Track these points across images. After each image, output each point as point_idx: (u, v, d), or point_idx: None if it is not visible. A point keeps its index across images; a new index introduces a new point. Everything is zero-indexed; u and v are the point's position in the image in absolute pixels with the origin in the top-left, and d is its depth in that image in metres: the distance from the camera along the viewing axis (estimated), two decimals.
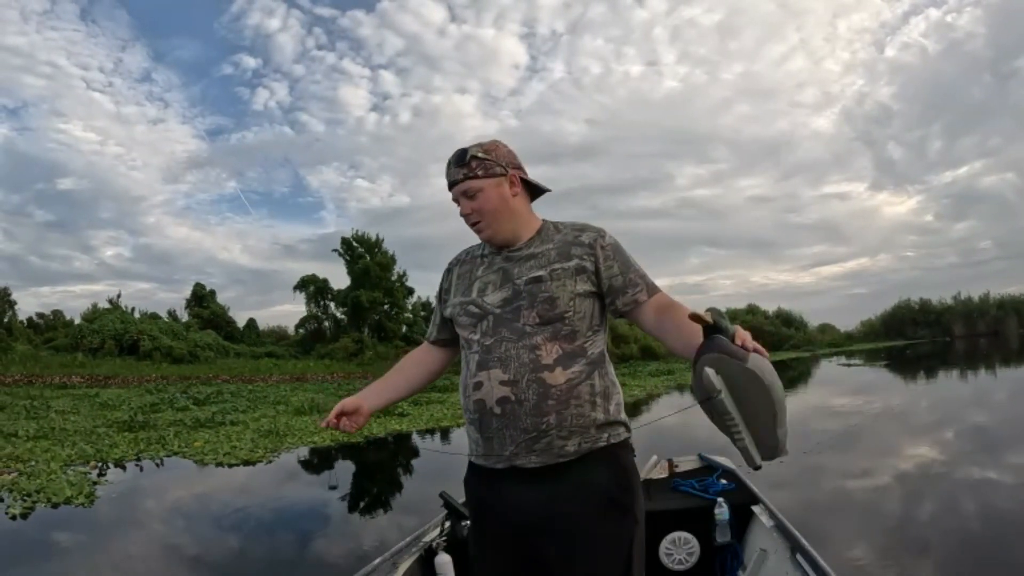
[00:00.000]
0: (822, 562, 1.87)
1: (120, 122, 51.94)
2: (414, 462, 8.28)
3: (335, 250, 32.77)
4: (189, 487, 6.62)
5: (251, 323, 34.33)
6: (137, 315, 28.65)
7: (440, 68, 68.33)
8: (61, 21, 52.21)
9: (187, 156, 54.09)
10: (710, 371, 1.09)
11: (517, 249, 1.38)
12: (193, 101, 60.85)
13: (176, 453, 8.05)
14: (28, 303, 51.81)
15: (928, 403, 12.05)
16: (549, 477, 1.27)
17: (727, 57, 76.78)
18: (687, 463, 3.05)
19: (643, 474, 2.77)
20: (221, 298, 33.61)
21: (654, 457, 3.02)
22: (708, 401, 1.08)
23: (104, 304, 28.62)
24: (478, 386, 1.30)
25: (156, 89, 54.17)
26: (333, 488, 5.77)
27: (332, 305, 33.26)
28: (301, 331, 33.64)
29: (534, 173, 1.42)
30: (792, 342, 44.69)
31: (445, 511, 2.29)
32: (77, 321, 28.02)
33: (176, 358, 25.37)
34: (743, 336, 1.07)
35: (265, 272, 53.03)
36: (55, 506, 5.43)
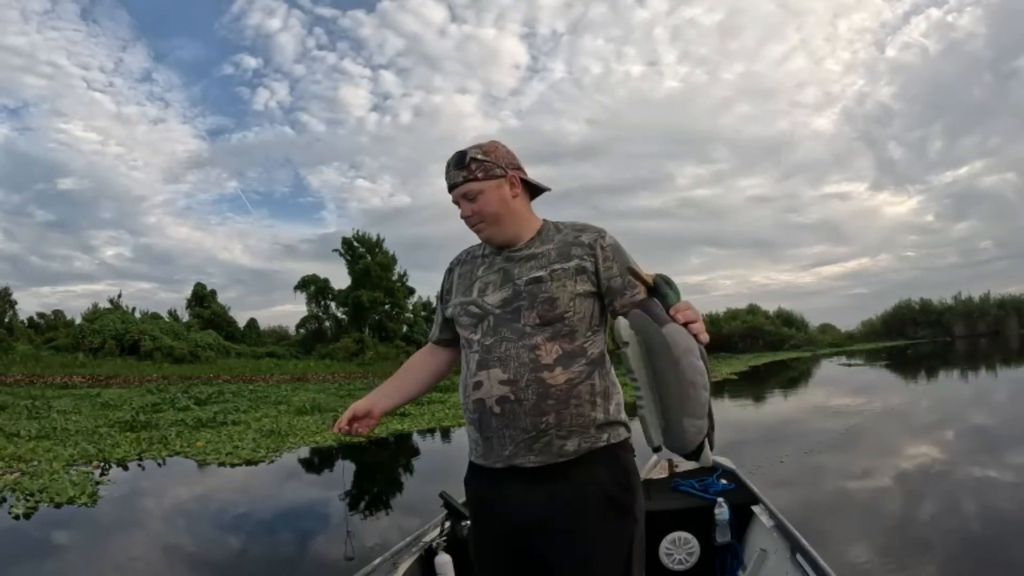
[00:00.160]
0: (822, 562, 1.87)
1: (121, 122, 51.96)
2: (414, 462, 8.30)
3: (336, 250, 32.93)
4: (191, 487, 6.63)
5: (252, 323, 34.43)
6: (138, 315, 28.74)
7: (441, 68, 68.33)
8: (62, 21, 52.34)
9: (188, 156, 54.15)
10: (624, 322, 1.09)
11: (517, 249, 1.38)
12: (194, 101, 60.87)
13: (178, 453, 8.06)
14: (29, 303, 52.01)
15: (928, 403, 12.05)
16: (549, 477, 1.27)
17: (727, 57, 76.51)
18: (687, 463, 3.05)
19: (643, 474, 2.77)
20: (222, 298, 33.75)
21: (654, 457, 3.02)
22: (617, 351, 1.08)
23: (105, 304, 28.75)
24: (478, 386, 1.30)
25: (157, 89, 54.21)
26: (343, 499, 5.69)
27: (333, 305, 33.35)
28: (302, 331, 33.72)
29: (534, 173, 1.42)
30: (793, 342, 44.80)
31: (445, 511, 2.29)
32: (78, 321, 28.12)
33: (177, 358, 25.42)
34: (681, 308, 1.08)
35: (266, 272, 53.12)
36: (58, 506, 5.44)
